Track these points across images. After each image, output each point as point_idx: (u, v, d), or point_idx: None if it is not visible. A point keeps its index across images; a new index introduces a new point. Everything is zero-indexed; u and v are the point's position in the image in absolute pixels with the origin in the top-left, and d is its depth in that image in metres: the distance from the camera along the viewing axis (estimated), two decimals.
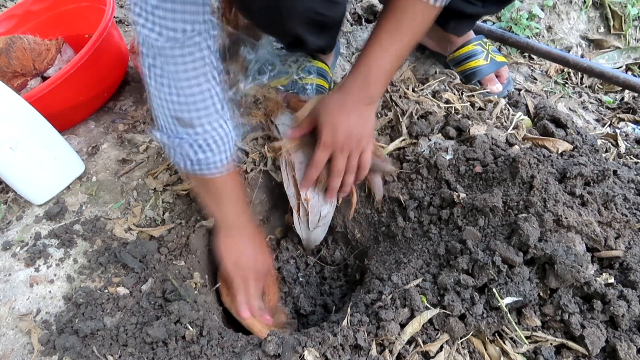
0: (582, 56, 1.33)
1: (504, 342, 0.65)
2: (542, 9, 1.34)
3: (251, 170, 0.99)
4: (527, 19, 1.32)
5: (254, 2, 0.79)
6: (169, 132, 0.71)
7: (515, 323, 0.66)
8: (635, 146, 1.05)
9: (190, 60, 0.64)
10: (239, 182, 0.85)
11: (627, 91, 1.24)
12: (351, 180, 0.87)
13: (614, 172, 0.86)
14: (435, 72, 1.16)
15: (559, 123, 0.99)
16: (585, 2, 1.38)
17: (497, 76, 1.11)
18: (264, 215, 1.05)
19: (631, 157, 1.00)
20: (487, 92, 1.08)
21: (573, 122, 1.00)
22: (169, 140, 0.72)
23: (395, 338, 0.66)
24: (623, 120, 1.16)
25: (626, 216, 0.76)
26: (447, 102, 1.03)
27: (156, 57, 0.63)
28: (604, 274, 0.69)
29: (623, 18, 1.37)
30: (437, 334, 0.67)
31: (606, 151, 1.01)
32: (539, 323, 0.66)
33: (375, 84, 0.80)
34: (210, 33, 0.65)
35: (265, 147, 0.99)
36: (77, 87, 0.98)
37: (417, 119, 1.00)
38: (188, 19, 0.60)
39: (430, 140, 0.95)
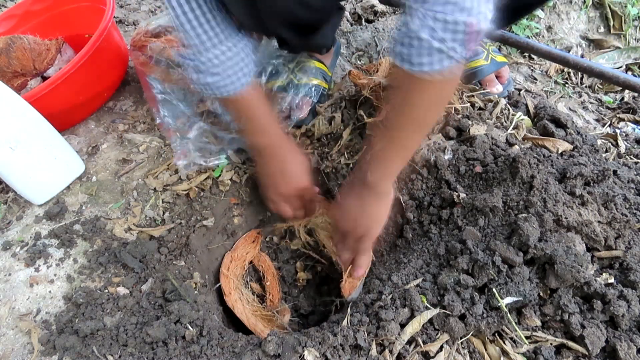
0: (582, 56, 1.33)
1: (504, 342, 0.65)
2: (542, 9, 1.34)
3: (253, 171, 0.99)
4: (527, 19, 1.32)
5: (236, 3, 0.76)
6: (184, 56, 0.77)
7: (515, 323, 0.66)
8: (635, 146, 1.05)
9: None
10: (257, 101, 0.83)
11: (627, 91, 1.24)
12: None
13: (614, 172, 0.86)
14: None
15: (559, 123, 0.99)
16: (585, 2, 1.38)
17: (497, 77, 1.11)
18: (263, 215, 1.06)
19: (631, 157, 1.00)
20: (487, 92, 1.08)
21: (573, 122, 1.00)
22: (184, 61, 0.77)
23: (395, 338, 0.66)
24: (623, 120, 1.16)
25: (626, 216, 0.76)
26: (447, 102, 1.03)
27: None
28: (604, 274, 0.69)
29: (623, 18, 1.37)
30: (437, 334, 0.67)
31: (606, 151, 1.01)
32: (539, 323, 0.66)
33: (381, 179, 0.74)
34: None
35: None
36: (77, 87, 0.98)
37: None
38: None
39: (429, 139, 0.95)
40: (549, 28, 1.37)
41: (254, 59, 0.82)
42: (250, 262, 0.99)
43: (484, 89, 1.08)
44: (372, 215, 0.78)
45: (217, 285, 0.91)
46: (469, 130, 0.94)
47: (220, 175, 0.98)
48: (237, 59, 0.76)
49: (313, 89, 1.03)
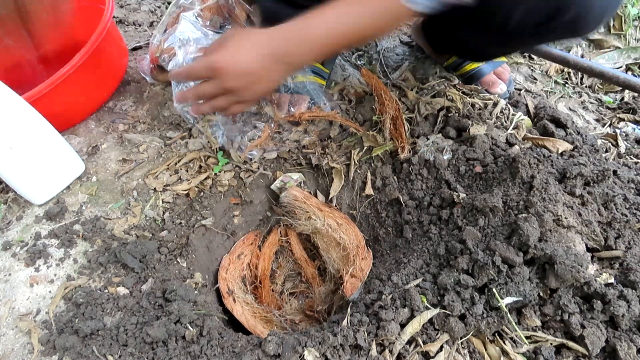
0: (582, 56, 1.33)
1: (504, 342, 0.65)
2: None
3: (252, 171, 1.00)
4: None
5: None
6: None
7: (515, 323, 0.66)
8: (635, 146, 1.05)
9: None
10: None
11: (627, 91, 1.24)
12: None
13: (614, 172, 0.86)
14: (435, 72, 1.16)
15: (559, 123, 0.99)
16: None
17: (497, 77, 1.11)
18: (263, 215, 1.06)
19: (631, 157, 1.00)
20: (489, 93, 1.08)
21: (573, 122, 1.00)
22: None
23: (395, 338, 0.66)
24: (623, 120, 1.16)
25: (626, 216, 0.76)
26: (448, 102, 1.03)
27: None
28: (604, 274, 0.69)
29: (623, 18, 1.37)
30: (437, 334, 0.67)
31: (606, 151, 1.01)
32: (539, 323, 0.66)
33: (308, 47, 0.69)
34: None
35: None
36: (77, 87, 0.98)
37: (418, 119, 1.00)
38: None
39: (428, 139, 0.95)
40: None
41: None
42: (249, 263, 0.99)
43: (484, 90, 1.08)
44: (265, 83, 0.72)
45: (216, 286, 0.91)
46: (469, 130, 0.94)
47: (220, 171, 0.98)
48: None
49: (312, 86, 1.04)
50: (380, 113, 1.00)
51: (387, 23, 0.70)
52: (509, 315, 0.65)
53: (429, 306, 0.68)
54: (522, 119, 1.00)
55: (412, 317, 0.68)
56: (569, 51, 1.34)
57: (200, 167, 0.98)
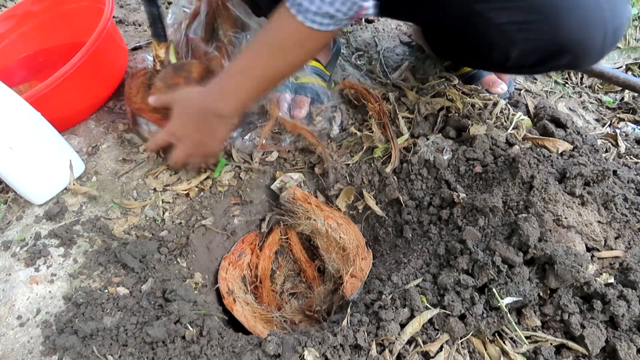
0: None
1: (504, 342, 0.65)
2: None
3: (252, 170, 0.99)
4: None
5: None
6: None
7: (515, 323, 0.66)
8: (635, 146, 1.05)
9: None
10: None
11: (627, 91, 1.24)
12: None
13: (614, 172, 0.86)
14: (435, 72, 1.16)
15: (559, 123, 0.99)
16: None
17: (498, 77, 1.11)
18: (263, 215, 1.06)
19: (631, 157, 1.00)
20: (489, 93, 1.08)
21: (573, 122, 1.00)
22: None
23: (395, 338, 0.66)
24: (623, 120, 1.16)
25: (626, 216, 0.76)
26: (448, 102, 1.03)
27: None
28: (604, 274, 0.69)
29: None
30: (437, 334, 0.67)
31: (606, 151, 1.01)
32: (539, 323, 0.66)
33: (227, 99, 0.76)
34: None
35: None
36: (77, 87, 0.98)
37: (418, 119, 1.00)
38: None
39: (428, 139, 0.95)
40: None
41: None
42: (249, 263, 0.99)
43: (485, 90, 1.08)
44: (213, 138, 0.81)
45: (217, 286, 0.91)
46: (468, 130, 0.94)
47: (219, 176, 0.98)
48: None
49: (310, 87, 1.04)
50: (369, 117, 1.01)
51: (300, 52, 0.71)
52: (509, 315, 0.65)
53: (429, 306, 0.68)
54: (522, 119, 1.00)
55: (412, 317, 0.68)
56: None
57: (200, 167, 0.98)
